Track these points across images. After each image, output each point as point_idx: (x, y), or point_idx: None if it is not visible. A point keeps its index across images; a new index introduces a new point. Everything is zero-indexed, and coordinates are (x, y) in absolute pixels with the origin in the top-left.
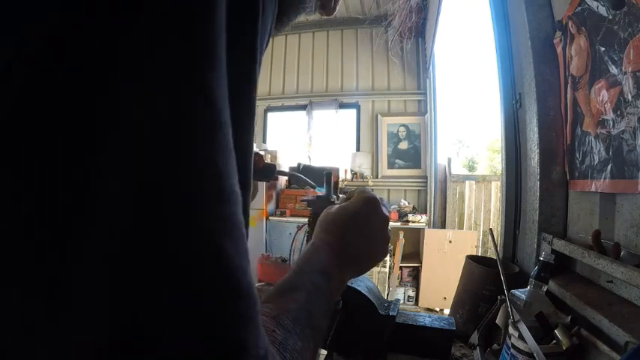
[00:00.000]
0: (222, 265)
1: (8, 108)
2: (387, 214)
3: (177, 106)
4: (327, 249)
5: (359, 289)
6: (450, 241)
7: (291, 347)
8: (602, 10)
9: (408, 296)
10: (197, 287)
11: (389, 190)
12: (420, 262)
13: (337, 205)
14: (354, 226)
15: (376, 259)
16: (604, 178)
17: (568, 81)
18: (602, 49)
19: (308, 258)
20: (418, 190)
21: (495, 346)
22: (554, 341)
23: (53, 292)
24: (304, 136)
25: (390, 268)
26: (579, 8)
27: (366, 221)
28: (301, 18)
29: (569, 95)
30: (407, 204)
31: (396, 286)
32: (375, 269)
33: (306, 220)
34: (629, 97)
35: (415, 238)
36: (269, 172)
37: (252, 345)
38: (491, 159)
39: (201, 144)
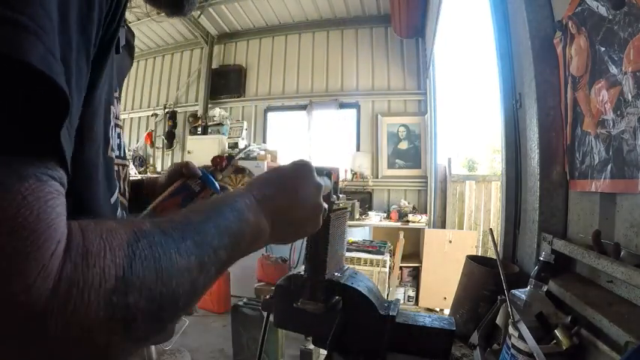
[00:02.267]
0: None
1: None
2: (321, 182)
3: None
4: (246, 194)
5: (359, 289)
6: (450, 241)
7: (151, 241)
8: (602, 10)
9: (408, 296)
10: None
11: (389, 190)
12: (420, 262)
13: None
14: (279, 182)
15: (303, 224)
16: (604, 178)
17: (568, 81)
18: (602, 49)
19: (223, 196)
20: (418, 190)
21: (495, 346)
22: (554, 341)
23: None
24: (304, 136)
25: (390, 268)
26: (579, 8)
27: (293, 181)
28: (302, 18)
29: (569, 95)
30: (407, 204)
31: (396, 286)
32: (376, 269)
33: None
34: (629, 97)
35: (415, 238)
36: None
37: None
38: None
39: None
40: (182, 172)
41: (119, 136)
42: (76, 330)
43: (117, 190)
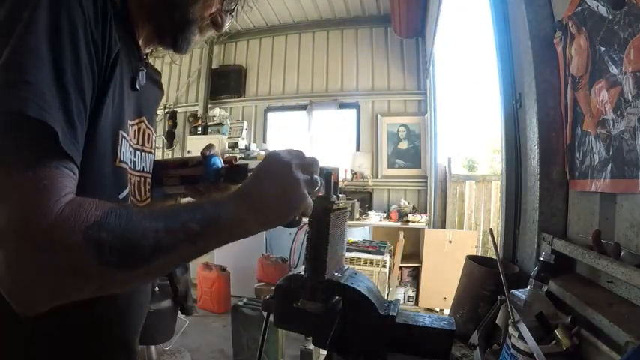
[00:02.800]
0: None
1: None
2: (288, 158)
3: None
4: (228, 194)
5: (359, 289)
6: (450, 241)
7: (128, 210)
8: (602, 10)
9: (408, 296)
10: None
11: (389, 190)
12: (420, 262)
13: None
14: (252, 175)
15: (282, 198)
16: (604, 178)
17: (568, 81)
18: (602, 49)
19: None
20: (418, 190)
21: (495, 346)
22: (554, 341)
23: None
24: (304, 136)
25: (390, 268)
26: (579, 8)
27: (262, 167)
28: (302, 18)
29: (569, 95)
30: (407, 204)
31: (396, 286)
32: (376, 269)
33: (306, 220)
34: (629, 97)
35: (415, 238)
36: (238, 173)
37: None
38: (491, 159)
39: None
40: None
41: (134, 154)
42: (64, 245)
43: (126, 190)
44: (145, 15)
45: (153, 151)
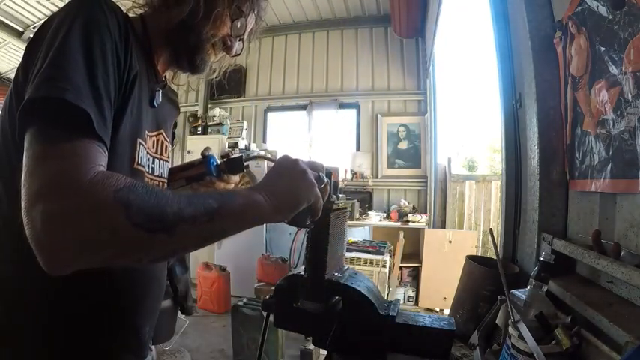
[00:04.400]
0: None
1: None
2: (297, 157)
3: None
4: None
5: (359, 289)
6: (450, 241)
7: (153, 185)
8: (602, 10)
9: (408, 296)
10: None
11: (389, 190)
12: (420, 262)
13: None
14: (266, 174)
15: (294, 189)
16: (604, 178)
17: (568, 81)
18: (602, 49)
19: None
20: (418, 190)
21: (495, 346)
22: (554, 341)
23: None
24: (304, 136)
25: (390, 268)
26: (579, 8)
27: (274, 166)
28: (302, 18)
29: (569, 95)
30: (407, 204)
31: (396, 286)
32: (376, 269)
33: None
34: (629, 97)
35: (415, 238)
36: (235, 163)
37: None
38: (491, 159)
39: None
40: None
41: (153, 161)
42: (98, 202)
43: None
44: (162, 40)
45: (169, 160)
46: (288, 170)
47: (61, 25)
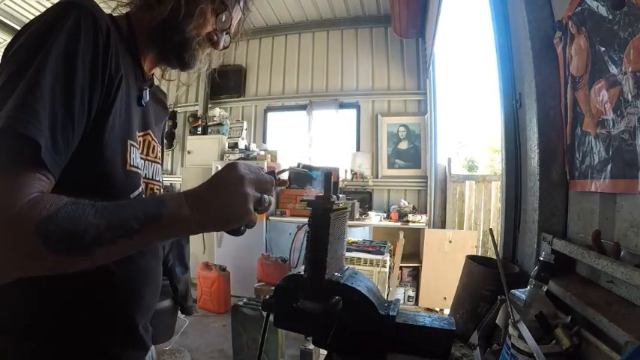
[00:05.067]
0: None
1: None
2: (244, 172)
3: None
4: (177, 193)
5: (359, 289)
6: (450, 241)
7: (78, 206)
8: (602, 10)
9: (408, 296)
10: None
11: (389, 190)
12: (420, 262)
13: None
14: (207, 181)
15: (225, 208)
16: (604, 178)
17: (568, 81)
18: (602, 49)
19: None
20: (418, 190)
21: (495, 346)
22: (554, 341)
23: None
24: (304, 136)
25: (390, 268)
26: (579, 8)
27: (217, 176)
28: (302, 18)
29: (569, 95)
30: (407, 204)
31: (396, 286)
32: (376, 269)
33: (306, 220)
34: (629, 97)
35: (415, 238)
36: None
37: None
38: (491, 159)
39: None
40: None
41: (149, 165)
42: (22, 233)
43: (137, 191)
44: (148, 39)
45: (158, 160)
46: (228, 189)
47: (29, 39)
